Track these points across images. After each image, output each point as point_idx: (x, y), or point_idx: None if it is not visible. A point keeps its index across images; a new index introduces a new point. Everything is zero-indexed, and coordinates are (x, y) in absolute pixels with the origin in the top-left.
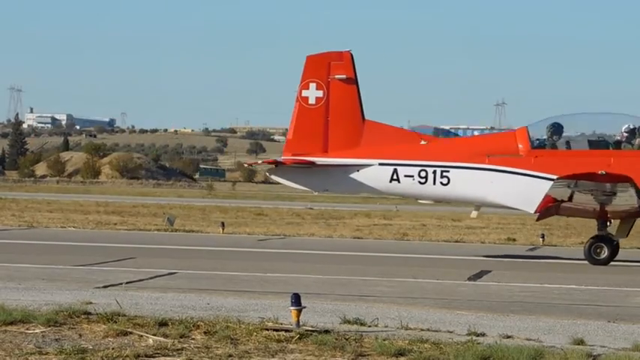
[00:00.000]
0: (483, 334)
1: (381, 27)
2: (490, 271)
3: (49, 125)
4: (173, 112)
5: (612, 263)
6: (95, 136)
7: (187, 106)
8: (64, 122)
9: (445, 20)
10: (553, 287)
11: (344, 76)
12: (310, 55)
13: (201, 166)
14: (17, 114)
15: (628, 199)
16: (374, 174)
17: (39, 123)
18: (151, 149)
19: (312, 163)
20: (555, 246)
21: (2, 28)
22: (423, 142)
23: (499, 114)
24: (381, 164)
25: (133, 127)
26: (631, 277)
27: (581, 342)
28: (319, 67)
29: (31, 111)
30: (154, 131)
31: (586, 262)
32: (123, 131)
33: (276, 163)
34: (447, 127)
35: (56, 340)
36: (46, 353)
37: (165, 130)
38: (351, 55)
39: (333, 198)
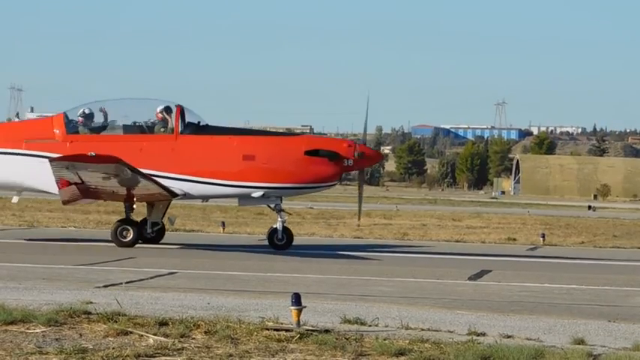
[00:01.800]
0: (484, 334)
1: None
2: (490, 271)
3: None
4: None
5: (612, 263)
6: None
7: (187, 106)
8: None
9: (444, 20)
10: (553, 287)
11: None
12: None
13: None
14: (17, 113)
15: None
16: None
17: None
18: None
19: None
20: (556, 245)
21: (2, 27)
22: None
23: (499, 114)
24: None
25: None
26: (631, 276)
27: (581, 342)
28: None
29: (32, 110)
30: None
31: (587, 261)
32: None
33: None
34: (447, 127)
35: (56, 339)
36: (47, 353)
37: None
38: None
39: (335, 197)
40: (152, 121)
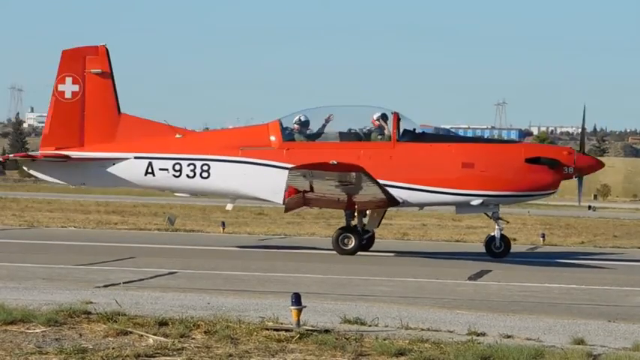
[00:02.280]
0: (484, 334)
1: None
2: (490, 271)
3: None
4: (174, 112)
5: (612, 263)
6: None
7: (188, 105)
8: None
9: (444, 19)
10: (553, 287)
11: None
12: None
13: None
14: (18, 113)
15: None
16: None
17: (40, 122)
18: None
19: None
20: (555, 245)
21: (2, 27)
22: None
23: (499, 114)
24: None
25: None
26: (631, 276)
27: (581, 342)
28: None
29: (32, 110)
30: None
31: (587, 261)
32: None
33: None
34: (447, 127)
35: (56, 339)
36: (47, 353)
37: None
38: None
39: None
40: (368, 128)
